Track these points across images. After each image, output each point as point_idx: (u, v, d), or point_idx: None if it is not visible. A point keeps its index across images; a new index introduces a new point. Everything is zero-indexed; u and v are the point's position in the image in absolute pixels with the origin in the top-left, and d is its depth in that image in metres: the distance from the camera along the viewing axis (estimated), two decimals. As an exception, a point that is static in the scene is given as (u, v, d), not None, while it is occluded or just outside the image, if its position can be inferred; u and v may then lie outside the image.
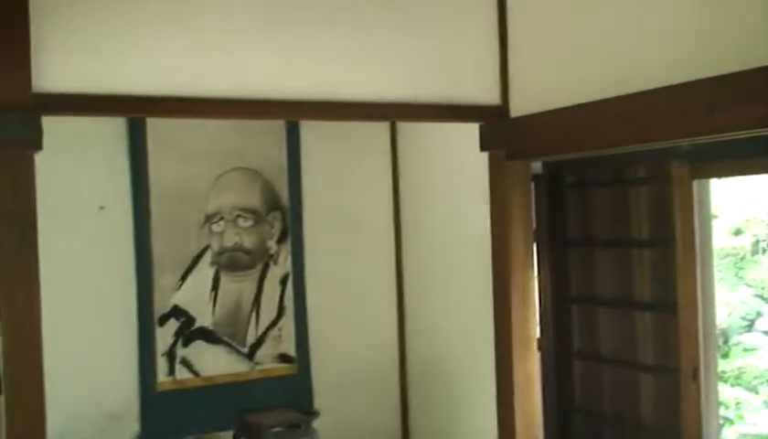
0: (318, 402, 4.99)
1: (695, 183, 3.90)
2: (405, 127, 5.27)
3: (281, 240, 5.03)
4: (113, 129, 4.60)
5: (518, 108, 3.79)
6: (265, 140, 4.97)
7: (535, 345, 3.97)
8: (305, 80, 3.50)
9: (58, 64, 3.15)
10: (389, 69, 3.63)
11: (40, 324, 3.23)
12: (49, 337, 3.20)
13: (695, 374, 3.86)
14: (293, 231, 5.05)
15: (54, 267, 3.47)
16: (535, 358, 3.95)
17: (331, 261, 5.14)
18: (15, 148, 3.19)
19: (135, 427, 4.63)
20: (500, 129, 3.86)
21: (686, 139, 3.22)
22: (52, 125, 3.15)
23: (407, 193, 5.32)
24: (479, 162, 3.99)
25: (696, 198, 3.92)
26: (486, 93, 3.84)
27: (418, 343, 5.28)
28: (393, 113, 3.97)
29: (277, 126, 4.98)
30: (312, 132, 5.04)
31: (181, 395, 4.73)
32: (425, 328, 5.19)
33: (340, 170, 5.19)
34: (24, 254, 3.21)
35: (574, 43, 3.50)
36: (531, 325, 3.97)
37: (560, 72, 3.57)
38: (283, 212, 5.03)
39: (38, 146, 3.20)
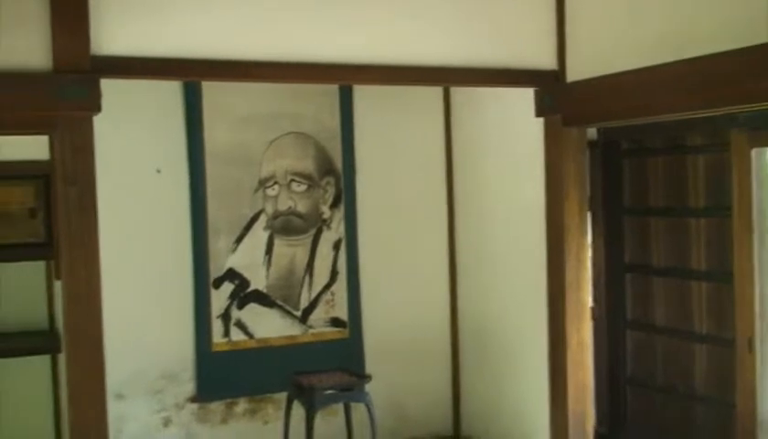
0: (369, 366, 5.03)
1: (753, 151, 3.81)
2: (459, 92, 5.23)
3: (334, 205, 5.05)
4: (170, 93, 4.64)
5: (575, 72, 3.73)
6: (319, 105, 4.97)
7: (588, 313, 3.94)
8: (359, 44, 3.49)
9: (116, 28, 3.18)
10: (443, 32, 3.60)
11: (99, 283, 3.30)
12: (108, 298, 3.27)
13: (750, 345, 3.80)
14: (346, 196, 5.07)
15: (112, 229, 3.54)
16: (588, 326, 3.93)
17: (384, 226, 5.15)
18: (74, 110, 3.24)
19: (191, 386, 4.72)
20: (556, 94, 3.81)
21: (746, 106, 3.14)
22: (112, 89, 3.19)
23: (460, 158, 5.29)
24: (534, 128, 3.94)
25: (754, 166, 3.83)
26: (542, 57, 3.78)
27: (469, 308, 5.28)
28: (447, 78, 3.93)
29: (331, 91, 4.98)
30: (365, 96, 5.03)
31: (236, 356, 4.80)
32: (477, 293, 5.19)
33: (393, 135, 5.18)
34: (83, 215, 3.27)
35: (633, 5, 3.42)
36: (585, 293, 3.93)
37: (619, 35, 3.50)
38: (337, 177, 5.05)
39: (97, 108, 3.25)
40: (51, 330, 4.31)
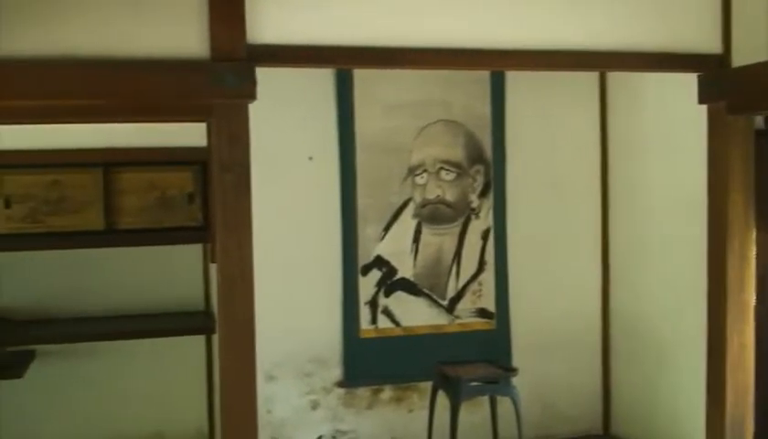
0: (516, 359, 4.94)
1: None
2: (616, 77, 5.03)
3: (483, 194, 4.98)
4: (322, 81, 4.69)
5: (741, 56, 3.50)
6: (470, 91, 4.91)
7: (751, 314, 3.70)
8: (513, 29, 3.39)
9: (272, 16, 3.22)
10: (600, 14, 3.45)
11: (252, 267, 3.36)
12: (260, 281, 3.33)
13: None
14: (495, 185, 4.99)
15: (265, 214, 3.60)
16: (750, 329, 3.69)
17: (534, 216, 5.04)
18: (230, 98, 3.31)
19: (338, 371, 4.78)
20: (721, 80, 3.59)
21: None
22: (266, 77, 3.25)
23: (616, 147, 5.10)
24: (696, 115, 3.74)
25: None
26: (706, 40, 3.57)
27: (622, 302, 5.09)
28: (604, 62, 3.77)
29: (482, 77, 4.90)
30: (518, 83, 4.93)
31: (382, 343, 4.83)
32: (631, 288, 5.00)
33: (546, 123, 5.05)
34: (238, 200, 3.34)
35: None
36: (748, 293, 3.70)
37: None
38: (486, 166, 4.97)
39: (252, 96, 3.31)
40: (207, 311, 4.46)
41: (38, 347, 4.25)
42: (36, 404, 4.37)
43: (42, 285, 4.33)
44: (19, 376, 3.97)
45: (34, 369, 4.15)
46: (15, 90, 3.20)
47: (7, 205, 3.76)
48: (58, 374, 4.37)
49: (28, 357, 4.14)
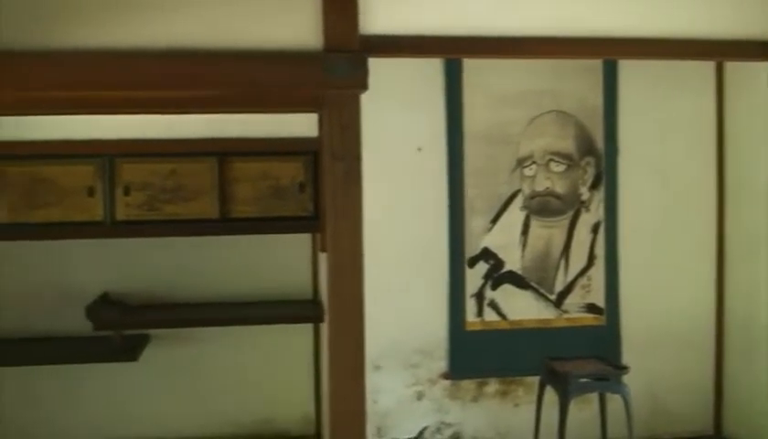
0: (626, 357, 4.81)
1: None
2: (734, 67, 4.83)
3: (593, 187, 4.87)
4: (432, 71, 4.66)
5: None
6: (581, 81, 4.80)
7: None
8: (625, 16, 3.30)
9: (384, 7, 3.21)
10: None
11: (362, 256, 3.37)
12: (368, 271, 3.34)
13: None
14: (607, 178, 4.86)
15: (374, 204, 3.61)
16: None
17: (646, 210, 4.89)
18: (343, 88, 3.33)
19: (444, 363, 4.76)
20: None
21: None
22: (376, 67, 3.25)
23: (733, 138, 4.90)
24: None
25: None
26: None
27: (738, 300, 4.89)
28: (721, 51, 3.62)
29: (594, 66, 4.79)
30: (631, 72, 4.79)
31: (488, 336, 4.78)
32: (748, 285, 4.79)
33: (660, 114, 4.89)
34: (349, 190, 3.35)
35: None
36: None
37: None
38: (597, 158, 4.86)
39: (364, 86, 3.31)
40: (314, 300, 4.50)
41: (153, 332, 4.38)
42: (149, 386, 4.51)
43: (157, 271, 4.45)
44: (135, 359, 4.10)
45: (148, 353, 4.28)
46: (133, 81, 3.29)
47: (126, 192, 3.88)
48: (170, 358, 4.49)
49: (143, 340, 4.27)
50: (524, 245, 4.84)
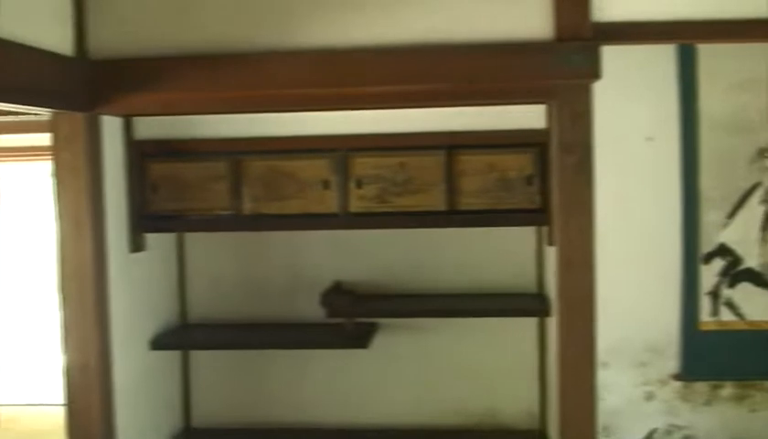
0: None
1: None
2: None
3: None
4: (663, 56, 4.47)
5: None
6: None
7: None
8: None
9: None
10: None
11: (593, 251, 3.31)
12: (598, 264, 3.27)
13: None
14: None
15: (603, 196, 3.53)
16: None
17: None
18: (574, 78, 3.27)
19: (674, 363, 4.56)
20: None
21: None
22: (604, 55, 3.18)
23: None
24: None
25: None
26: None
27: None
28: None
29: None
30: None
31: (723, 337, 4.52)
32: None
33: None
34: (580, 183, 3.30)
35: None
36: None
37: None
38: None
39: (597, 76, 3.25)
40: (540, 294, 4.45)
41: (381, 321, 4.51)
42: (378, 374, 4.64)
43: (385, 262, 4.58)
44: (365, 346, 4.23)
45: (376, 341, 4.41)
46: (367, 77, 3.41)
47: (359, 185, 4.01)
48: (398, 347, 4.60)
49: (372, 329, 4.40)
50: (763, 241, 4.53)
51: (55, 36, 3.38)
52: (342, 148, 4.00)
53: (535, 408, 4.57)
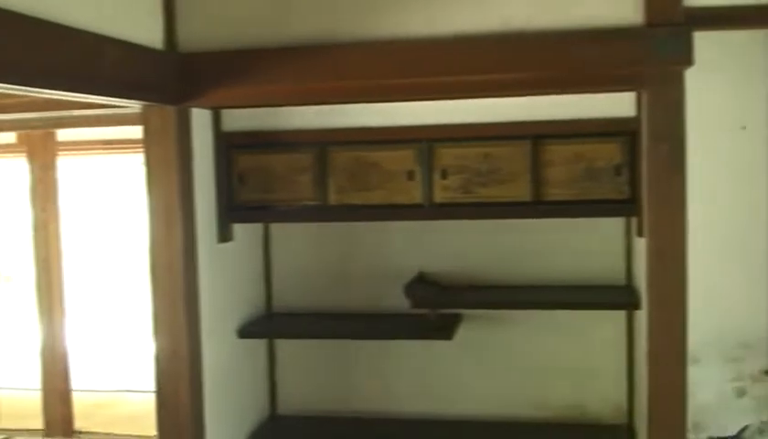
0: None
1: None
2: None
3: None
4: (757, 42, 4.32)
5: None
6: None
7: None
8: None
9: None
10: None
11: (685, 243, 3.23)
12: (690, 257, 3.19)
13: None
14: None
15: (694, 186, 3.43)
16: None
17: None
18: (666, 65, 3.19)
19: (766, 360, 4.42)
20: None
21: None
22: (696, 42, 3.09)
23: None
24: None
25: None
26: None
27: None
28: None
29: None
30: None
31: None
32: None
33: None
34: (671, 173, 3.23)
35: None
36: None
37: None
38: None
39: (689, 62, 3.16)
40: (628, 286, 4.36)
41: (465, 312, 4.48)
42: (462, 365, 4.62)
43: (469, 253, 4.55)
44: (449, 337, 4.22)
45: (461, 332, 4.39)
46: (455, 66, 3.39)
47: (443, 176, 3.99)
48: (482, 338, 4.57)
49: (456, 320, 4.38)
50: None
51: (146, 30, 3.46)
52: (427, 139, 3.99)
53: (622, 402, 4.49)
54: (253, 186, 4.28)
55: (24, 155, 6.31)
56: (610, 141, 3.85)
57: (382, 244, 4.63)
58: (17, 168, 6.67)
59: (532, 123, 3.90)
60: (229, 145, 4.21)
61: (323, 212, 4.20)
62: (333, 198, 4.17)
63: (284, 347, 4.80)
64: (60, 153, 6.36)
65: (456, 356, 4.61)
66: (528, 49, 3.29)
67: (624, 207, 3.89)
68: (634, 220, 4.06)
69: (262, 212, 4.34)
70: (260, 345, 4.73)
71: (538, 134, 3.91)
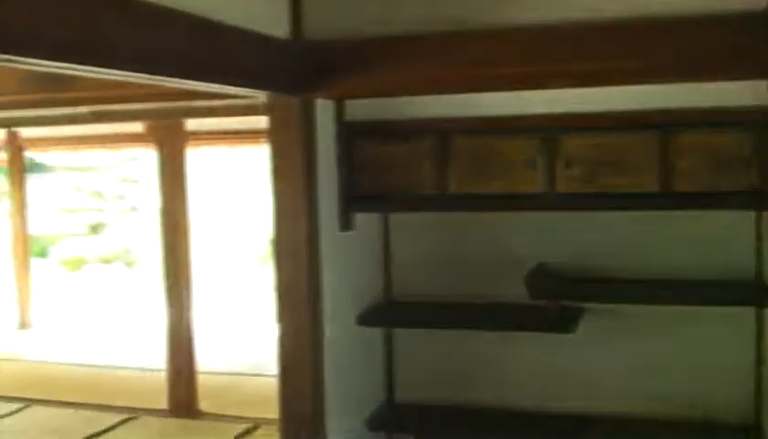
0: None
1: None
2: None
3: None
4: None
5: None
6: None
7: None
8: None
9: None
10: None
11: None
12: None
13: None
14: None
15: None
16: None
17: None
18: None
19: None
20: None
21: None
22: None
23: None
24: None
25: None
26: None
27: None
28: None
29: None
30: None
31: None
32: None
33: None
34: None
35: None
36: None
37: None
38: None
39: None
40: (758, 282, 4.19)
41: (587, 305, 4.40)
42: (586, 360, 4.53)
43: (591, 244, 4.46)
44: (572, 331, 4.15)
45: (584, 326, 4.31)
46: (583, 54, 3.33)
47: (567, 166, 3.94)
48: (603, 332, 4.47)
49: (579, 313, 4.30)
50: None
51: (272, 19, 3.54)
52: (550, 127, 3.94)
53: (751, 402, 4.32)
54: (374, 175, 4.33)
55: (152, 144, 6.56)
56: (742, 130, 3.72)
57: (501, 234, 4.59)
58: (147, 158, 6.94)
59: (660, 111, 3.80)
60: (350, 135, 4.27)
61: (443, 202, 4.21)
62: (452, 188, 4.18)
63: (402, 334, 4.83)
64: (189, 143, 6.58)
65: (576, 349, 4.52)
66: (657, 36, 3.22)
67: (755, 199, 3.74)
68: (765, 214, 3.91)
69: (383, 202, 4.38)
70: (378, 332, 4.78)
71: (666, 124, 3.80)
